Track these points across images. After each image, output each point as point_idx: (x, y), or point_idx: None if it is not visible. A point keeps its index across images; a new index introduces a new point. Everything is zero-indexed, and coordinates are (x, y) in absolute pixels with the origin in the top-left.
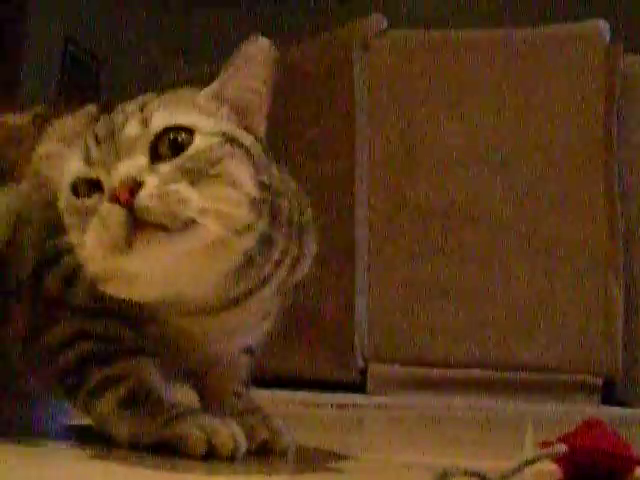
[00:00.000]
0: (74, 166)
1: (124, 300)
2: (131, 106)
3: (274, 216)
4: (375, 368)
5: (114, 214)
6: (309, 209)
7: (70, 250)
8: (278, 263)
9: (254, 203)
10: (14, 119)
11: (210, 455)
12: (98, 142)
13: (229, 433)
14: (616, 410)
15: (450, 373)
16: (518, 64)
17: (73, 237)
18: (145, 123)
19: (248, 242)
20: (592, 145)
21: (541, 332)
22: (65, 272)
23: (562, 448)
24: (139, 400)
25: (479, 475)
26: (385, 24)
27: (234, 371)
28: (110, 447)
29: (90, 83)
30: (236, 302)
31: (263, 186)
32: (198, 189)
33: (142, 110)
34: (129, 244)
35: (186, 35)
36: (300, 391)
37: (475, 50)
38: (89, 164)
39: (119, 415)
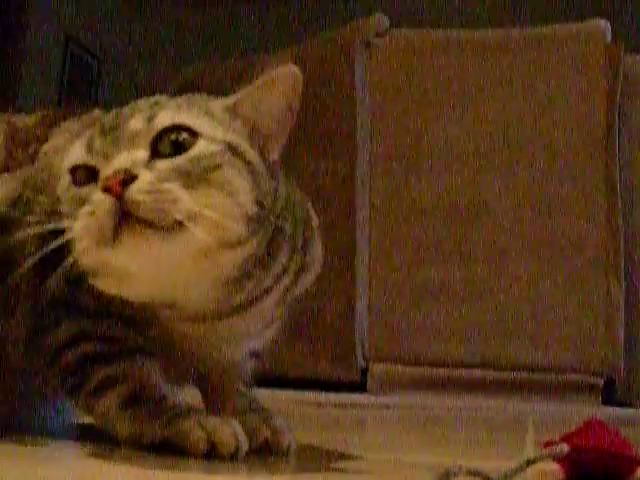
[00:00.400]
0: (75, 152)
1: (124, 302)
2: (142, 103)
3: (275, 234)
4: (376, 368)
5: (104, 203)
6: (314, 220)
7: (71, 250)
8: (280, 276)
9: (249, 219)
10: (22, 120)
11: (211, 454)
12: (103, 132)
13: (230, 432)
14: (617, 410)
15: (451, 373)
16: (520, 64)
17: (67, 224)
18: (150, 119)
19: (238, 256)
20: (593, 145)
21: (542, 332)
22: (67, 272)
23: (564, 448)
24: (141, 399)
25: (481, 475)
26: (387, 24)
27: (237, 371)
28: (112, 446)
29: (91, 82)
30: (236, 311)
31: (262, 205)
32: (192, 193)
33: (151, 108)
34: (116, 236)
35: (187, 35)
36: (301, 390)
37: (477, 50)
38: (90, 152)
39: (121, 414)
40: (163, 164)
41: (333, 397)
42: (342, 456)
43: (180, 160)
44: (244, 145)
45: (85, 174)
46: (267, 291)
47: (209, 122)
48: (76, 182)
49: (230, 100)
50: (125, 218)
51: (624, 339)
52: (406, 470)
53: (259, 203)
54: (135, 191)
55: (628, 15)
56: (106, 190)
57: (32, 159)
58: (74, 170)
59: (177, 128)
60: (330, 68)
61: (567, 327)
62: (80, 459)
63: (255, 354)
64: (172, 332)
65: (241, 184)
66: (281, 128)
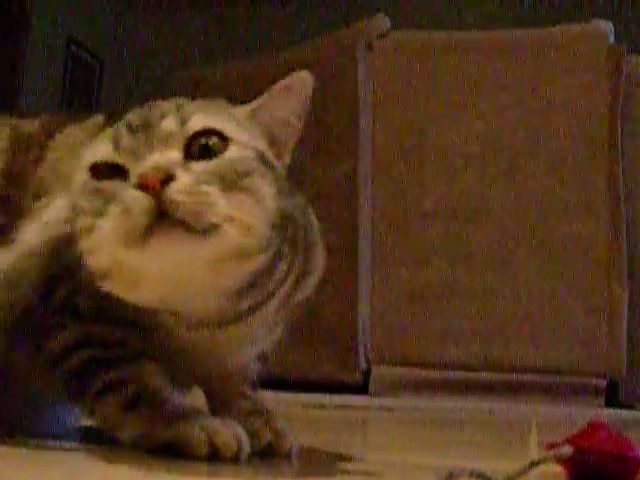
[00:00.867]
0: (100, 149)
1: (128, 307)
2: (167, 104)
3: (282, 238)
4: (378, 370)
5: (140, 201)
6: (315, 224)
7: (80, 265)
8: (281, 281)
9: (273, 225)
10: (26, 125)
11: (213, 457)
12: (131, 131)
13: (232, 435)
14: (620, 412)
15: (453, 375)
16: (522, 65)
17: (82, 221)
18: (183, 121)
19: (260, 262)
20: (596, 145)
21: (545, 334)
22: (74, 283)
23: (567, 450)
24: (143, 402)
25: (484, 477)
26: (389, 25)
27: (241, 374)
28: (115, 449)
29: (92, 84)
30: (239, 318)
31: (283, 212)
32: (227, 197)
33: (178, 110)
34: (146, 237)
35: (189, 36)
36: (303, 393)
37: (479, 51)
38: (117, 150)
39: (124, 418)
40: (199, 166)
41: (335, 399)
42: (344, 458)
43: (215, 164)
44: (269, 152)
45: (108, 172)
46: (269, 297)
47: (238, 128)
48: (97, 178)
49: (249, 107)
50: (160, 218)
51: (627, 341)
52: (409, 472)
53: (281, 210)
54: (175, 191)
55: (632, 16)
56: (142, 187)
57: (35, 164)
58: (95, 168)
59: (209, 132)
60: (332, 69)
61: (570, 329)
62: (83, 462)
63: (260, 357)
64: (175, 338)
65: (268, 191)
66: (294, 133)
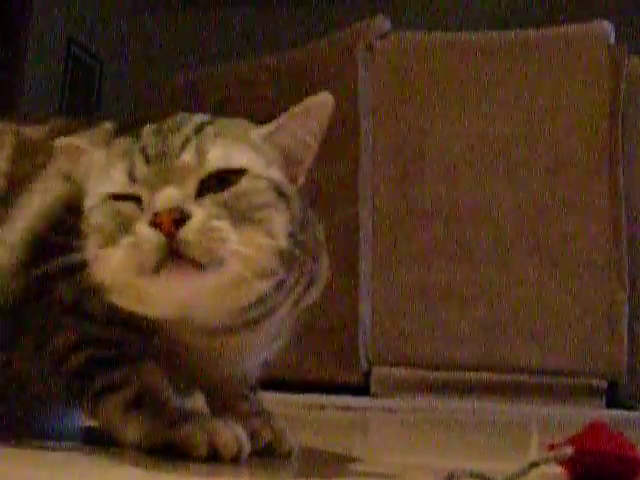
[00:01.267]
0: (116, 179)
1: (133, 312)
2: (185, 130)
3: (290, 263)
4: (379, 371)
5: (152, 239)
6: (321, 233)
7: (84, 265)
8: (288, 294)
9: (282, 252)
10: (31, 131)
11: (213, 458)
12: (147, 161)
13: (232, 436)
14: (620, 413)
15: (454, 376)
16: (523, 66)
17: (95, 242)
18: (200, 155)
19: (265, 286)
20: (597, 146)
21: (546, 335)
22: (80, 284)
23: (568, 451)
24: (144, 403)
25: (485, 477)
26: (389, 26)
27: (243, 377)
28: (115, 449)
29: (92, 84)
30: (243, 328)
31: (293, 236)
32: (237, 230)
33: (197, 133)
34: (157, 270)
35: (190, 37)
36: (304, 393)
37: (480, 52)
38: (133, 181)
39: (124, 418)
40: (211, 199)
41: (336, 400)
42: (345, 459)
43: (227, 195)
44: (283, 179)
45: (123, 199)
46: (275, 308)
47: (254, 156)
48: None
49: (268, 129)
50: (170, 255)
51: (628, 342)
52: (410, 473)
53: (291, 235)
54: (189, 232)
55: (633, 17)
56: (156, 225)
57: (40, 170)
58: (113, 196)
59: (227, 170)
60: (333, 70)
61: (571, 330)
62: (84, 462)
63: (263, 363)
64: (178, 343)
65: (279, 221)
66: (311, 154)
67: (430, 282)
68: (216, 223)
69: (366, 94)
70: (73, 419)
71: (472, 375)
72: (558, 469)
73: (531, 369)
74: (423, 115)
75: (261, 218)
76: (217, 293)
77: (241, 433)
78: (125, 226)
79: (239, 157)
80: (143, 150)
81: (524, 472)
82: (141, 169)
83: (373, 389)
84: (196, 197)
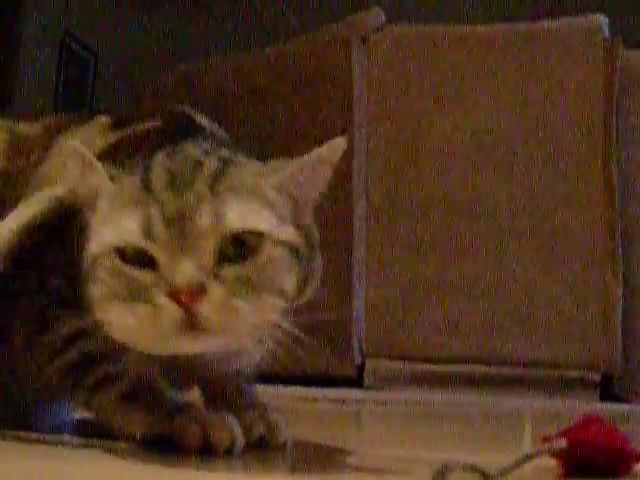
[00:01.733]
0: (128, 229)
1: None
2: (200, 183)
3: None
4: (372, 363)
5: (172, 312)
6: (316, 231)
7: (82, 260)
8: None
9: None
10: (25, 128)
11: (207, 450)
12: (165, 220)
13: (226, 428)
14: (614, 406)
15: (448, 368)
16: (517, 59)
17: (97, 291)
18: (218, 218)
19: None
20: (591, 141)
21: (540, 328)
22: (69, 272)
23: (562, 443)
24: (138, 395)
25: (478, 470)
26: (384, 18)
27: (237, 370)
28: (109, 442)
29: (87, 78)
30: None
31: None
32: (253, 300)
33: (212, 187)
34: (170, 336)
35: (186, 30)
36: (297, 386)
37: (475, 45)
38: (150, 238)
39: (118, 410)
40: (230, 272)
41: (330, 393)
42: (338, 451)
43: (248, 268)
44: (295, 235)
45: (134, 254)
46: None
47: (270, 216)
48: (124, 259)
49: (280, 178)
50: (187, 326)
51: (622, 335)
52: (403, 465)
53: (300, 286)
54: (208, 308)
55: (627, 11)
56: (175, 298)
57: (35, 167)
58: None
59: (244, 233)
60: (327, 63)
61: (565, 323)
62: (78, 454)
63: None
64: None
65: (292, 281)
66: (317, 196)
67: (424, 275)
68: (235, 302)
69: (360, 87)
70: (67, 412)
71: (466, 368)
72: (552, 462)
73: (525, 362)
74: (418, 108)
75: (276, 287)
76: (222, 345)
77: (235, 426)
78: (138, 290)
79: (256, 219)
80: (159, 206)
81: (518, 464)
82: (159, 229)
83: (366, 382)
84: (215, 264)
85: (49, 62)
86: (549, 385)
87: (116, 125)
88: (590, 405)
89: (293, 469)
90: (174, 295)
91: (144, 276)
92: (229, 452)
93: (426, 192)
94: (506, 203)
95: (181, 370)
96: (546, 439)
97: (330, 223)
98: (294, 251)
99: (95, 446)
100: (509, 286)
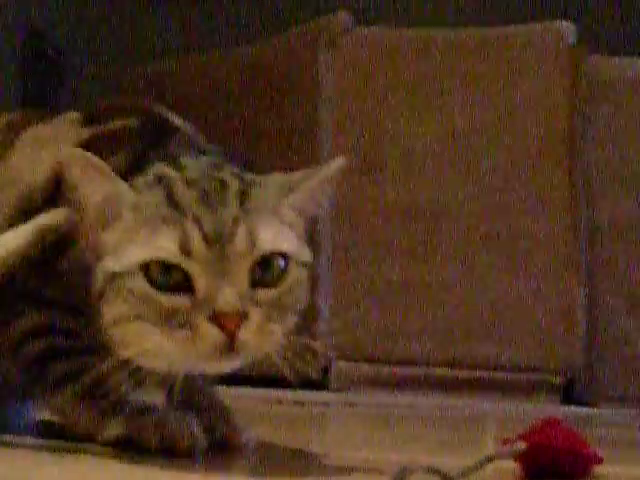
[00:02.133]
0: (164, 246)
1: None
2: (231, 200)
3: None
4: (338, 366)
5: (213, 337)
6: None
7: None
8: None
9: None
10: None
11: (168, 451)
12: (205, 239)
13: (187, 429)
14: (576, 409)
15: (412, 371)
16: (484, 63)
17: (115, 309)
18: (252, 241)
19: None
20: (557, 145)
21: (503, 331)
22: (36, 264)
23: (521, 446)
24: (98, 395)
25: (439, 472)
26: (351, 22)
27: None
28: (69, 442)
29: (54, 77)
30: None
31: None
32: (281, 321)
33: (241, 204)
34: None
35: (157, 28)
36: (261, 388)
37: (441, 48)
38: (187, 255)
39: (78, 409)
40: (264, 296)
41: (294, 395)
42: (302, 454)
43: (278, 292)
44: (309, 252)
45: (162, 270)
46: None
47: (292, 238)
48: (151, 281)
49: (295, 197)
50: (226, 350)
51: (585, 339)
52: (365, 468)
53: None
54: (248, 334)
55: (595, 17)
56: (218, 324)
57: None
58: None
59: (273, 254)
60: (294, 66)
61: (528, 326)
62: (35, 456)
63: None
64: None
65: (307, 299)
66: (321, 209)
67: (389, 278)
68: (272, 326)
69: (327, 90)
70: (29, 411)
71: (430, 370)
72: (512, 464)
73: (489, 365)
74: (384, 111)
75: (298, 306)
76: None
77: (196, 427)
78: (172, 314)
79: (283, 241)
80: (196, 223)
81: (478, 466)
82: (199, 247)
83: (332, 384)
84: (251, 292)
85: (14, 62)
86: (512, 388)
87: (88, 121)
88: (552, 408)
89: (254, 471)
90: (216, 320)
91: (180, 300)
92: (190, 453)
93: (390, 196)
94: (471, 207)
95: (142, 368)
96: (506, 442)
97: None
98: (310, 269)
99: (55, 447)
100: (473, 290)
